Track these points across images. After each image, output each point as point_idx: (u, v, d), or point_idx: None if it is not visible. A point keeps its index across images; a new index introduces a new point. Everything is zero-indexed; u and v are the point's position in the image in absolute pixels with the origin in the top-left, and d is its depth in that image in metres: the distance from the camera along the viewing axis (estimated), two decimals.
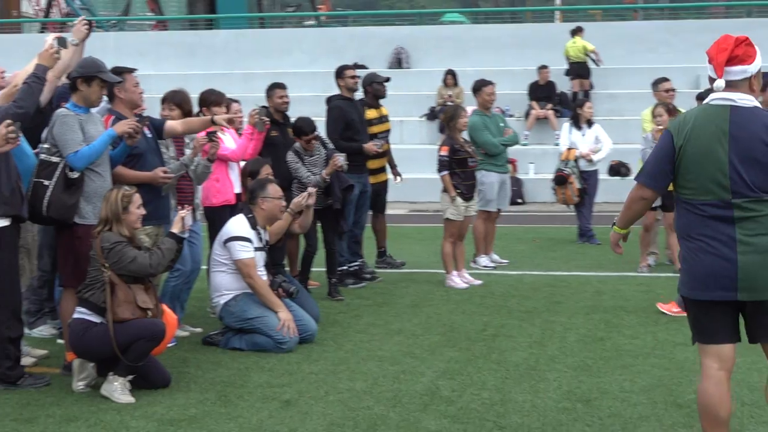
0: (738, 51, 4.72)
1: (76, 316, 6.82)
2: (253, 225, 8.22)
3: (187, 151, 8.38)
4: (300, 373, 7.33)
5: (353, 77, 10.78)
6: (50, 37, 7.37)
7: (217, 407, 6.51)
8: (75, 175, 7.09)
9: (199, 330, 8.61)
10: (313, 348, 8.06)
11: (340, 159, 9.71)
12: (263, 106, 9.80)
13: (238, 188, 9.12)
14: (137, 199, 6.97)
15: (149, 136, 7.87)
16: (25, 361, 7.43)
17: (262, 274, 8.20)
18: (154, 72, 22.84)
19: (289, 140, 10.05)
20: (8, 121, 6.48)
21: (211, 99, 9.27)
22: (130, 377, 6.75)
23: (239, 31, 26.74)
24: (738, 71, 4.74)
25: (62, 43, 7.44)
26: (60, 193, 7.04)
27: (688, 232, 4.81)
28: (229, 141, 9.21)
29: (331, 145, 10.18)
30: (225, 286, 8.14)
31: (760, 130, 4.66)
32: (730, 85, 4.75)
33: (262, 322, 7.96)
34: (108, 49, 25.21)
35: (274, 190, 8.32)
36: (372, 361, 7.63)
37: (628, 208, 5.06)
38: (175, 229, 7.06)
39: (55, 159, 7.11)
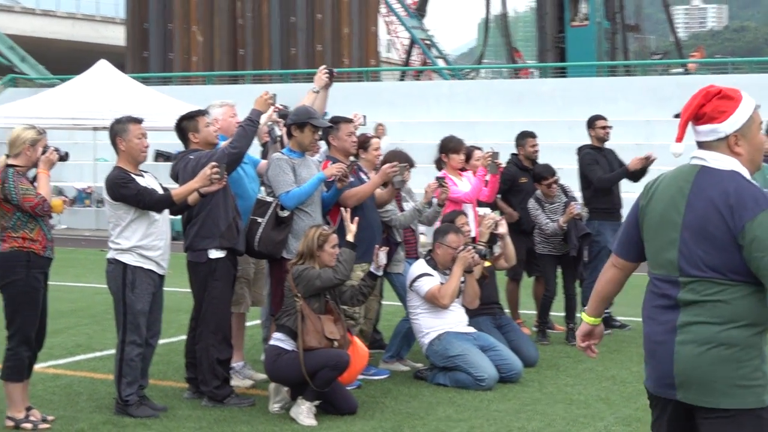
0: (707, 108, 3.96)
1: (271, 342, 7.61)
2: (433, 266, 8.71)
3: (406, 205, 9.13)
4: (485, 410, 7.68)
5: (604, 128, 10.93)
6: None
7: None
8: (285, 213, 7.93)
9: (419, 365, 9.16)
10: (512, 388, 8.37)
11: (577, 207, 9.98)
12: (495, 152, 10.19)
13: (474, 231, 9.60)
14: (333, 239, 7.68)
15: (365, 179, 8.64)
16: (244, 383, 8.33)
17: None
18: (482, 119, 23.81)
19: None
20: (213, 163, 7.40)
21: (449, 146, 9.90)
22: (317, 402, 7.42)
23: (577, 79, 27.19)
24: (707, 131, 3.98)
25: (284, 112, 8.40)
26: (270, 230, 7.91)
27: (644, 313, 4.13)
28: (464, 184, 9.79)
29: (571, 193, 10.44)
30: (426, 326, 8.66)
31: (717, 196, 3.87)
32: (704, 146, 4.01)
33: (463, 360, 8.39)
34: (441, 96, 26.50)
35: (453, 239, 8.75)
36: (562, 404, 7.83)
37: (599, 281, 4.35)
38: (349, 236, 7.70)
39: (269, 199, 8.01)
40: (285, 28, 37.92)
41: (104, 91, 20.99)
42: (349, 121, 8.76)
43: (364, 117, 9.48)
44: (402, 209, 9.26)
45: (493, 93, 27.03)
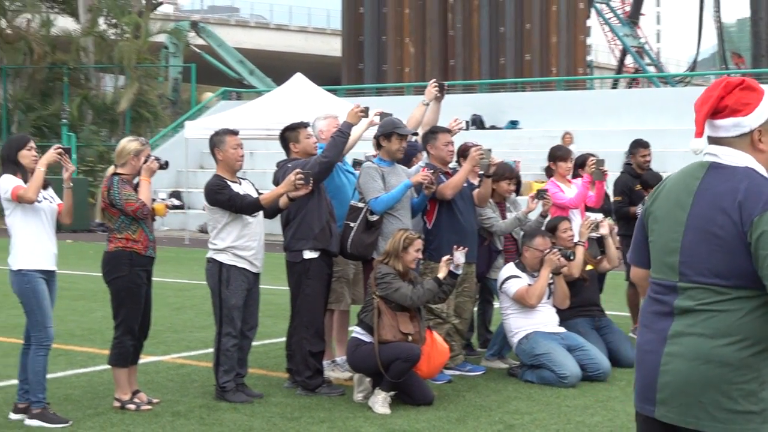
0: (728, 100, 3.61)
1: (352, 335, 8.34)
2: (522, 269, 9.18)
3: (508, 214, 9.67)
4: (555, 405, 8.15)
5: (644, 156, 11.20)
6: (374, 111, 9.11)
7: (444, 423, 7.62)
8: (374, 218, 8.65)
9: (517, 364, 9.67)
10: (594, 386, 8.77)
11: None
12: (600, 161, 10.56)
13: (577, 236, 10.03)
14: (418, 243, 8.32)
15: (464, 185, 9.26)
16: (344, 375, 9.06)
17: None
18: (674, 127, 23.69)
19: None
20: (297, 170, 8.20)
21: (557, 154, 10.40)
22: (393, 393, 8.09)
23: None
24: (728, 125, 3.62)
25: (386, 116, 9.09)
26: (361, 233, 8.64)
27: (640, 319, 3.82)
28: (572, 191, 10.26)
29: None
30: (515, 326, 9.17)
31: (725, 193, 3.54)
32: (720, 142, 3.67)
33: (548, 358, 8.87)
34: (646, 103, 26.48)
35: (540, 242, 9.20)
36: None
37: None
38: (441, 273, 8.30)
39: (360, 204, 8.74)
40: (494, 38, 38.64)
41: (297, 103, 22.23)
42: (446, 131, 9.37)
43: (467, 123, 10.09)
44: (505, 218, 9.81)
45: (687, 101, 26.83)
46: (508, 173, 9.87)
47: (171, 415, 7.80)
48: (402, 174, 8.91)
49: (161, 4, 41.30)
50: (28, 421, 7.51)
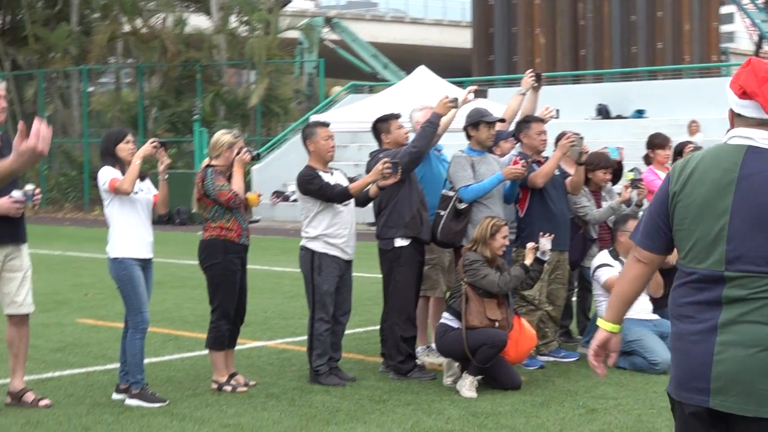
0: None
1: (441, 320, 8.54)
2: (615, 256, 9.22)
3: (603, 203, 9.73)
4: (642, 390, 8.22)
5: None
6: (469, 89, 9.29)
7: (528, 406, 7.77)
8: (463, 206, 8.83)
9: None
10: None
11: None
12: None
13: None
14: (505, 230, 8.48)
15: (556, 173, 9.37)
16: (438, 360, 9.26)
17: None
18: None
19: None
20: (385, 159, 8.44)
21: (655, 142, 10.40)
22: (480, 377, 8.27)
23: None
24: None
25: (482, 94, 9.26)
26: (449, 221, 8.83)
27: (674, 312, 3.73)
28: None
29: None
30: None
31: None
32: (751, 125, 3.63)
33: (640, 345, 8.92)
34: None
35: (633, 226, 9.20)
36: None
37: (620, 279, 3.94)
38: (528, 260, 8.44)
39: (450, 193, 8.93)
40: (626, 27, 38.25)
41: (420, 95, 22.44)
42: (539, 120, 9.50)
43: (557, 111, 10.16)
44: (600, 206, 9.87)
45: None
46: (603, 162, 9.93)
47: (264, 397, 8.12)
48: (493, 162, 9.06)
49: (290, 1, 42.01)
50: (128, 401, 7.91)
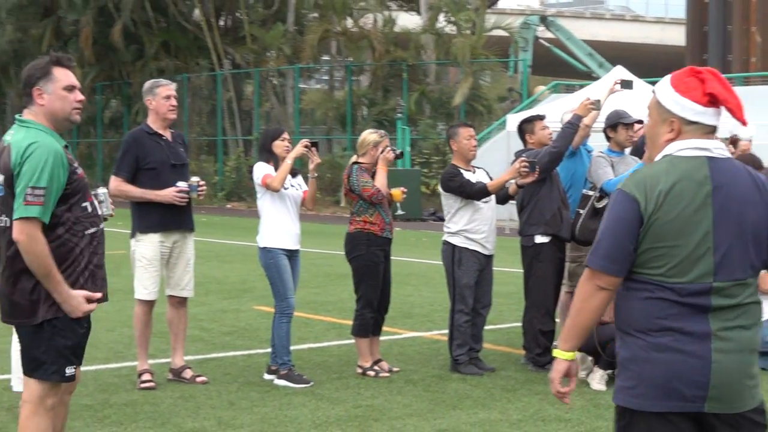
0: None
1: None
2: None
3: None
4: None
5: None
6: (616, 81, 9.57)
7: None
8: (601, 204, 9.14)
9: None
10: None
11: None
12: None
13: None
14: None
15: None
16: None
17: None
18: None
19: None
20: (522, 158, 8.85)
21: None
22: (610, 371, 8.58)
23: None
24: (720, 117, 3.79)
25: (627, 85, 9.55)
26: (588, 220, 9.16)
27: (648, 325, 3.72)
28: None
29: None
30: None
31: (749, 188, 3.73)
32: (708, 135, 3.78)
33: None
34: None
35: None
36: None
37: (581, 310, 3.84)
38: None
39: (590, 193, 9.25)
40: None
41: (615, 95, 22.48)
42: None
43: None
44: None
45: None
46: (750, 164, 10.00)
47: (403, 382, 8.67)
48: (631, 163, 9.31)
49: (496, 1, 42.37)
50: (276, 381, 8.60)
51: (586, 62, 43.93)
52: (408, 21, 37.70)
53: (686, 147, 3.75)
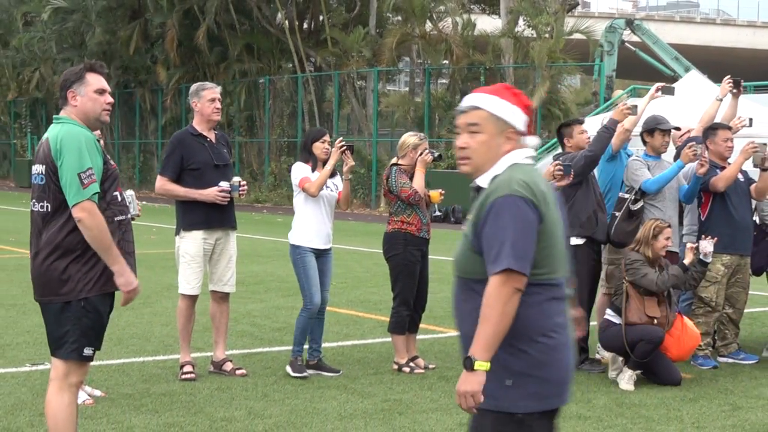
0: None
1: (605, 316, 9.08)
2: None
3: None
4: None
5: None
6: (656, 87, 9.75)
7: (675, 401, 8.20)
8: (636, 206, 9.32)
9: None
10: None
11: None
12: None
13: None
14: (668, 232, 8.93)
15: (741, 179, 9.68)
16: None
17: None
18: None
19: None
20: (556, 162, 9.07)
21: None
22: (638, 371, 8.76)
23: None
24: None
25: (668, 91, 9.72)
26: (622, 222, 9.35)
27: (546, 327, 3.96)
28: None
29: None
30: None
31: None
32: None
33: None
34: None
35: None
36: None
37: (504, 315, 3.85)
38: (687, 260, 8.84)
39: (626, 196, 9.43)
40: None
41: (686, 101, 22.44)
42: (727, 128, 9.83)
43: (750, 120, 10.37)
44: None
45: None
46: None
47: (436, 379, 8.95)
48: (667, 167, 9.47)
49: (577, 5, 42.27)
50: (287, 368, 9.01)
51: (672, 66, 43.58)
52: (488, 24, 37.86)
53: (525, 155, 4.07)
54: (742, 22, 65.17)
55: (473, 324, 3.92)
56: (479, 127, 4.05)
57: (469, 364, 3.88)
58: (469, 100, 4.11)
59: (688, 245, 8.97)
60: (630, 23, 42.37)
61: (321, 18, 40.19)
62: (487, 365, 3.88)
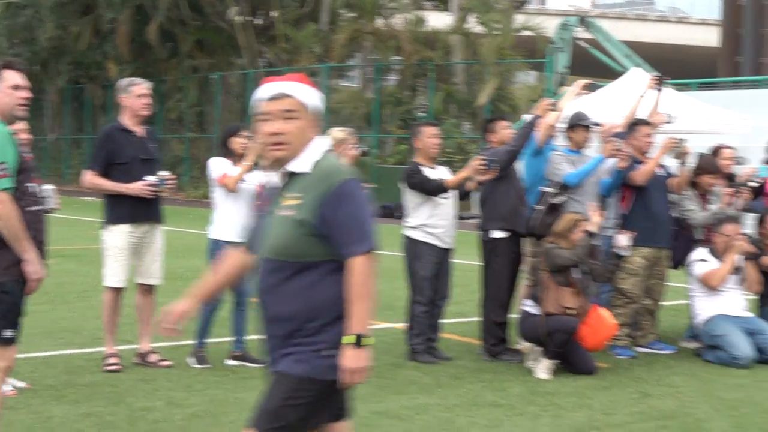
0: None
1: (523, 307, 9.32)
2: (713, 254, 9.68)
3: (711, 207, 10.20)
4: (710, 382, 8.75)
5: None
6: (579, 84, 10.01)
7: (588, 389, 8.44)
8: (558, 200, 9.56)
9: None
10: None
11: None
12: None
13: None
14: (584, 225, 9.17)
15: (661, 174, 9.95)
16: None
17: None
18: None
19: None
20: (479, 157, 9.30)
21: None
22: (555, 361, 9.00)
23: None
24: None
25: (592, 88, 9.99)
26: (544, 215, 9.58)
27: (342, 300, 4.22)
28: None
29: None
30: (699, 308, 9.78)
31: None
32: None
33: (724, 340, 9.40)
34: None
35: (728, 228, 9.66)
36: None
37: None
38: (591, 227, 9.08)
39: (548, 189, 9.67)
40: None
41: (628, 97, 22.73)
42: (647, 123, 10.11)
43: (671, 116, 10.66)
44: (706, 210, 10.32)
45: None
46: (711, 167, 10.36)
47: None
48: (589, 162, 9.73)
49: (526, 2, 42.65)
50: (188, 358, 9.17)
51: (624, 63, 44.03)
52: (439, 21, 38.14)
53: (326, 142, 4.38)
54: (695, 20, 65.90)
55: (300, 305, 4.19)
56: (296, 113, 4.25)
57: (357, 342, 4.11)
58: (278, 88, 4.27)
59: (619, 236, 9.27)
60: (583, 20, 42.74)
61: (273, 14, 40.28)
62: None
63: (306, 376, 4.22)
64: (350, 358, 4.14)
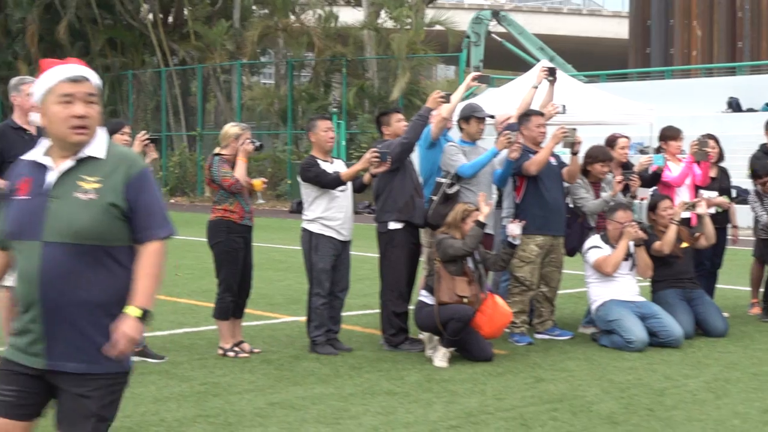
0: None
1: (419, 297, 9.46)
2: (606, 241, 9.92)
3: (602, 194, 10.42)
4: (602, 366, 8.96)
5: None
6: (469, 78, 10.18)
7: (482, 375, 8.61)
8: (452, 191, 9.71)
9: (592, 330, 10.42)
10: (661, 352, 9.51)
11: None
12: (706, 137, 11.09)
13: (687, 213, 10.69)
14: (475, 215, 9.32)
15: (554, 163, 10.15)
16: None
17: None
18: None
19: None
20: (372, 150, 9.41)
21: (667, 134, 11.06)
22: (452, 349, 9.15)
23: None
24: None
25: (483, 80, 10.15)
26: (439, 206, 9.73)
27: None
28: (678, 169, 10.90)
29: None
30: (594, 294, 10.01)
31: None
32: None
33: (618, 324, 9.63)
34: None
35: (620, 215, 9.92)
36: (667, 366, 8.89)
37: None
38: (481, 217, 9.22)
39: (442, 180, 9.82)
40: None
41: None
42: (540, 114, 10.31)
43: (563, 107, 10.89)
44: (599, 198, 10.54)
45: None
46: (602, 156, 10.59)
47: (259, 362, 9.20)
48: (482, 153, 9.89)
49: None
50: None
51: (537, 56, 44.57)
52: (350, 17, 38.27)
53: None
54: (607, 13, 66.77)
55: (101, 291, 4.20)
56: (95, 98, 4.26)
57: (143, 317, 4.20)
58: (77, 71, 4.23)
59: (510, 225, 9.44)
60: (496, 14, 43.19)
61: (185, 11, 40.10)
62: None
63: (122, 370, 4.40)
64: (132, 327, 4.17)
